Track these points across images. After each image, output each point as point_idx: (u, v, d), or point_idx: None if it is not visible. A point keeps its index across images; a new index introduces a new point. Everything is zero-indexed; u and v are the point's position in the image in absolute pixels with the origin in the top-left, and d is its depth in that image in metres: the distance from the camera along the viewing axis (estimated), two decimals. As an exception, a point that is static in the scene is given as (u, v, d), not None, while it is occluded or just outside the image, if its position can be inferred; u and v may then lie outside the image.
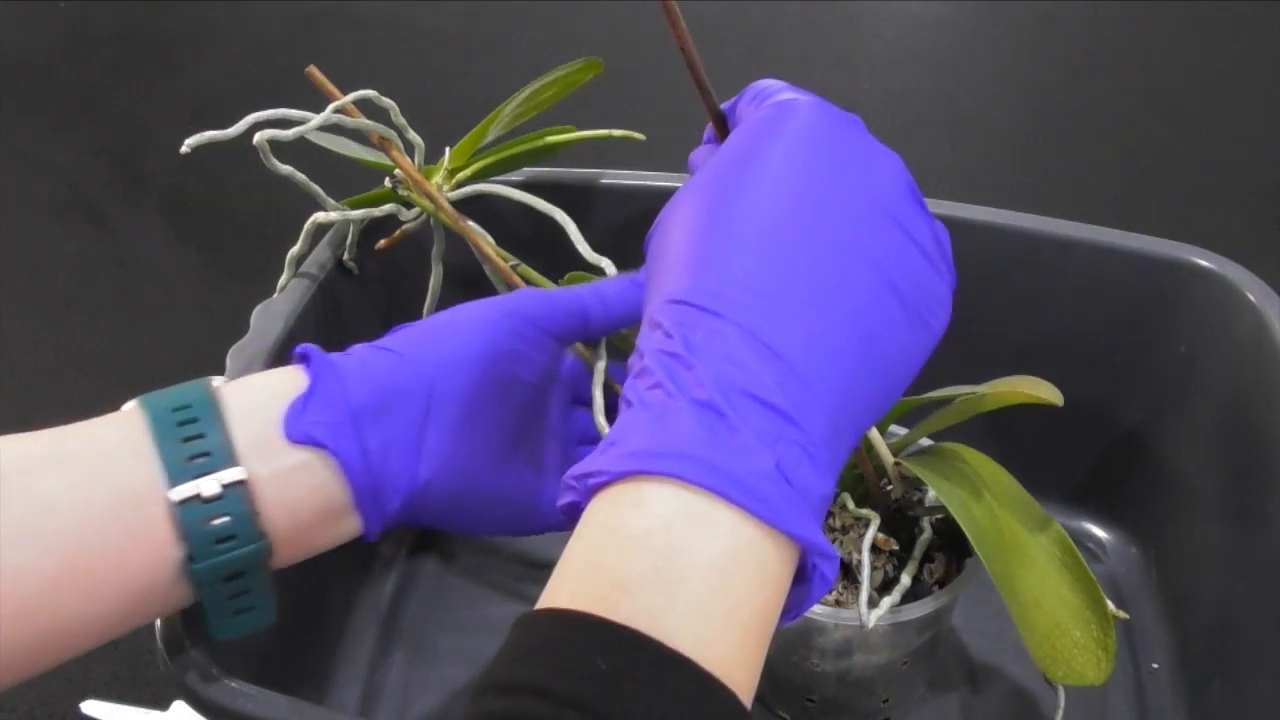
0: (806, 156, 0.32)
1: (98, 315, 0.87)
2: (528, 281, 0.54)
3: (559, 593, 0.28)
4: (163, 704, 0.58)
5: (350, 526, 0.40)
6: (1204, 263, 0.57)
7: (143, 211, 0.98)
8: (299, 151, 0.54)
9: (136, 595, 0.36)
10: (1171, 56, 1.16)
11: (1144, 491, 0.63)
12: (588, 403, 0.48)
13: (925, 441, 0.53)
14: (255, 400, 0.38)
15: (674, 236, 0.32)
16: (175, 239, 0.95)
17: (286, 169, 0.53)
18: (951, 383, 0.50)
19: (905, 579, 0.49)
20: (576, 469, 0.30)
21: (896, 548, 0.51)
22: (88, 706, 0.58)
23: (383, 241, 0.58)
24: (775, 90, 0.35)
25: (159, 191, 1.01)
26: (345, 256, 0.58)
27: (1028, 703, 0.57)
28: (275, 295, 0.55)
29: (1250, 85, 1.11)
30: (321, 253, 0.58)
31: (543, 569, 0.64)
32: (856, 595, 0.48)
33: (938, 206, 0.60)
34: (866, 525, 0.49)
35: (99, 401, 0.83)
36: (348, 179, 0.60)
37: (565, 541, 0.29)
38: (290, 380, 0.39)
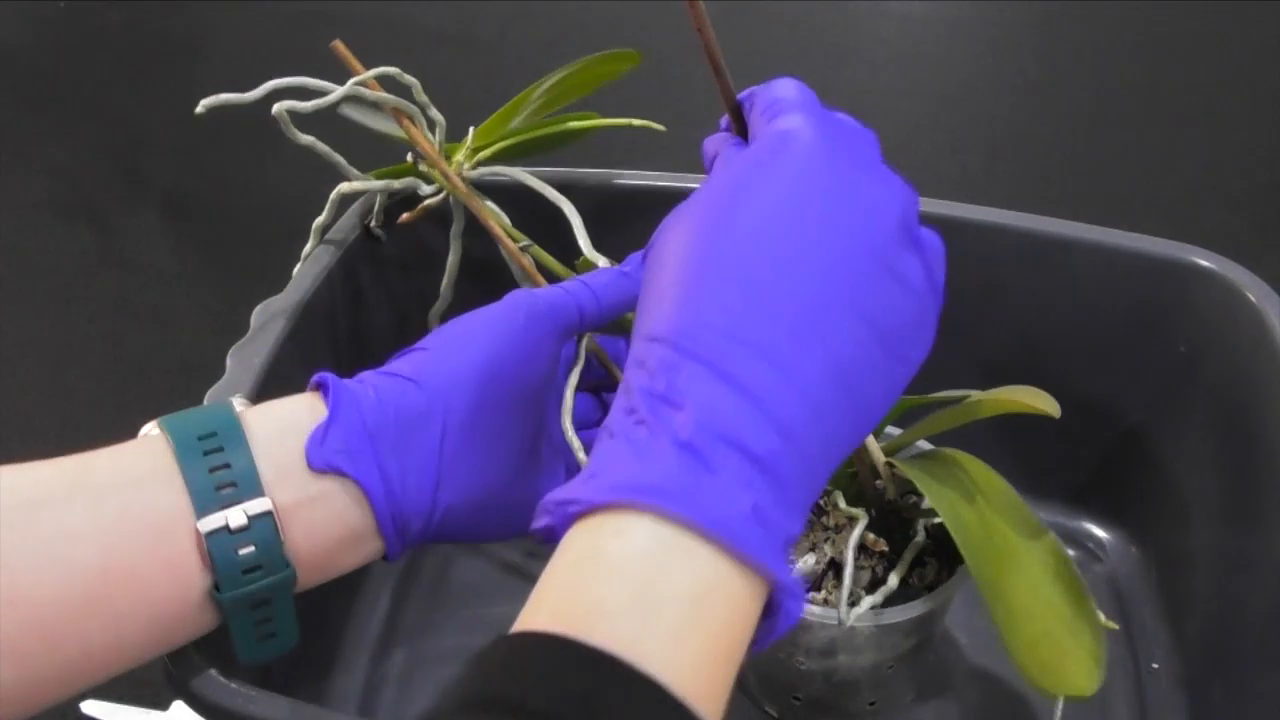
0: (795, 200, 0.32)
1: (98, 315, 0.87)
2: (538, 263, 0.54)
3: (537, 614, 0.28)
4: (163, 704, 0.58)
5: (373, 550, 0.40)
6: (1204, 263, 0.57)
7: (143, 211, 0.98)
8: (320, 128, 0.54)
9: (164, 623, 0.36)
10: (1171, 56, 1.16)
11: (1144, 491, 0.63)
12: (586, 390, 0.49)
13: (925, 445, 0.53)
14: (277, 428, 0.39)
15: (666, 264, 0.33)
16: (175, 239, 0.95)
17: (308, 139, 0.53)
18: (952, 382, 0.50)
19: (893, 580, 0.49)
20: (557, 494, 0.30)
21: (886, 549, 0.51)
22: (88, 706, 0.58)
23: (405, 215, 0.59)
24: (784, 108, 0.35)
25: (159, 191, 1.01)
26: (372, 224, 0.59)
27: (1024, 708, 0.57)
28: (299, 264, 0.56)
29: (1250, 85, 1.11)
30: (348, 221, 0.59)
31: (542, 570, 0.64)
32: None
33: (938, 207, 0.60)
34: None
35: (99, 401, 0.84)
36: (370, 155, 0.60)
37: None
38: (310, 408, 0.40)
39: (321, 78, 0.52)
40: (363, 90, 0.52)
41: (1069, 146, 1.03)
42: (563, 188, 0.56)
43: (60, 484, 0.35)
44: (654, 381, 0.30)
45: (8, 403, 0.79)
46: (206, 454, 0.37)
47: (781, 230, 0.31)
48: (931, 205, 0.60)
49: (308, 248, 0.57)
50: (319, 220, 0.57)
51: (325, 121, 0.54)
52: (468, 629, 0.61)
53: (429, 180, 0.58)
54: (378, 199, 0.59)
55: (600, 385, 0.50)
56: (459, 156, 0.58)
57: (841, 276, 0.31)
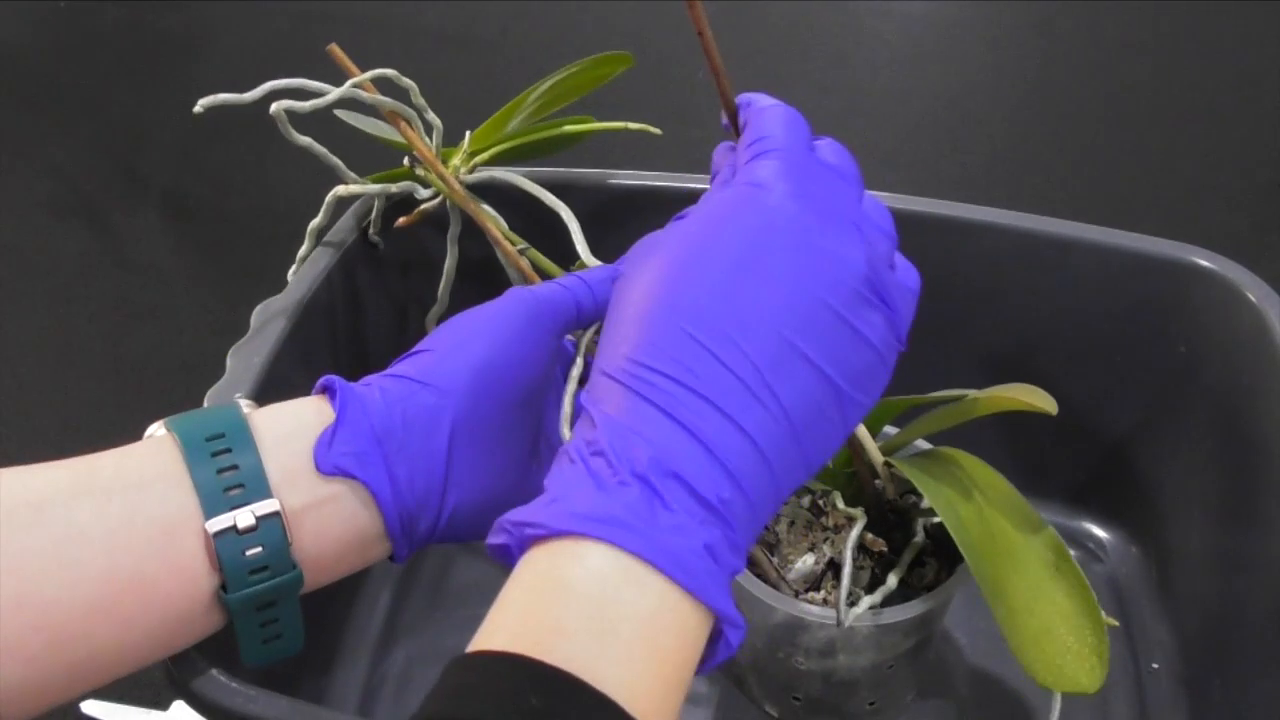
0: (755, 257, 0.33)
1: (98, 315, 0.87)
2: (536, 266, 0.54)
3: (496, 634, 0.30)
4: (163, 704, 0.58)
5: (379, 552, 0.40)
6: (1204, 263, 0.57)
7: (143, 211, 0.98)
8: (318, 130, 0.54)
9: (170, 624, 0.36)
10: (1171, 56, 1.16)
11: (1144, 491, 0.63)
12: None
13: (924, 444, 0.53)
14: (285, 431, 0.39)
15: (629, 301, 0.34)
16: (175, 239, 0.95)
17: (305, 140, 0.53)
18: (952, 381, 0.50)
19: (892, 580, 0.49)
20: (515, 515, 0.32)
21: (885, 549, 0.51)
22: (88, 706, 0.58)
23: (403, 219, 0.59)
24: (764, 149, 0.36)
25: (159, 191, 1.01)
26: (371, 231, 0.59)
27: (1024, 708, 0.57)
28: (296, 266, 0.56)
29: (1250, 85, 1.11)
30: (345, 223, 0.59)
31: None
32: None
33: (938, 207, 0.60)
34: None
35: (99, 401, 0.84)
36: (368, 158, 0.60)
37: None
38: (316, 411, 0.40)
39: (321, 78, 0.52)
40: (359, 92, 0.52)
41: (1069, 146, 1.03)
42: (560, 189, 0.56)
43: (67, 485, 0.35)
44: (613, 416, 0.32)
45: (8, 403, 0.79)
46: (215, 455, 0.37)
47: (740, 285, 0.33)
48: (931, 205, 0.60)
49: (303, 250, 0.57)
50: (315, 222, 0.57)
51: (323, 124, 0.54)
52: (468, 629, 0.60)
53: (426, 184, 0.58)
54: (375, 205, 0.59)
55: None
56: (456, 160, 0.58)
57: (796, 331, 0.32)
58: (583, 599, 0.29)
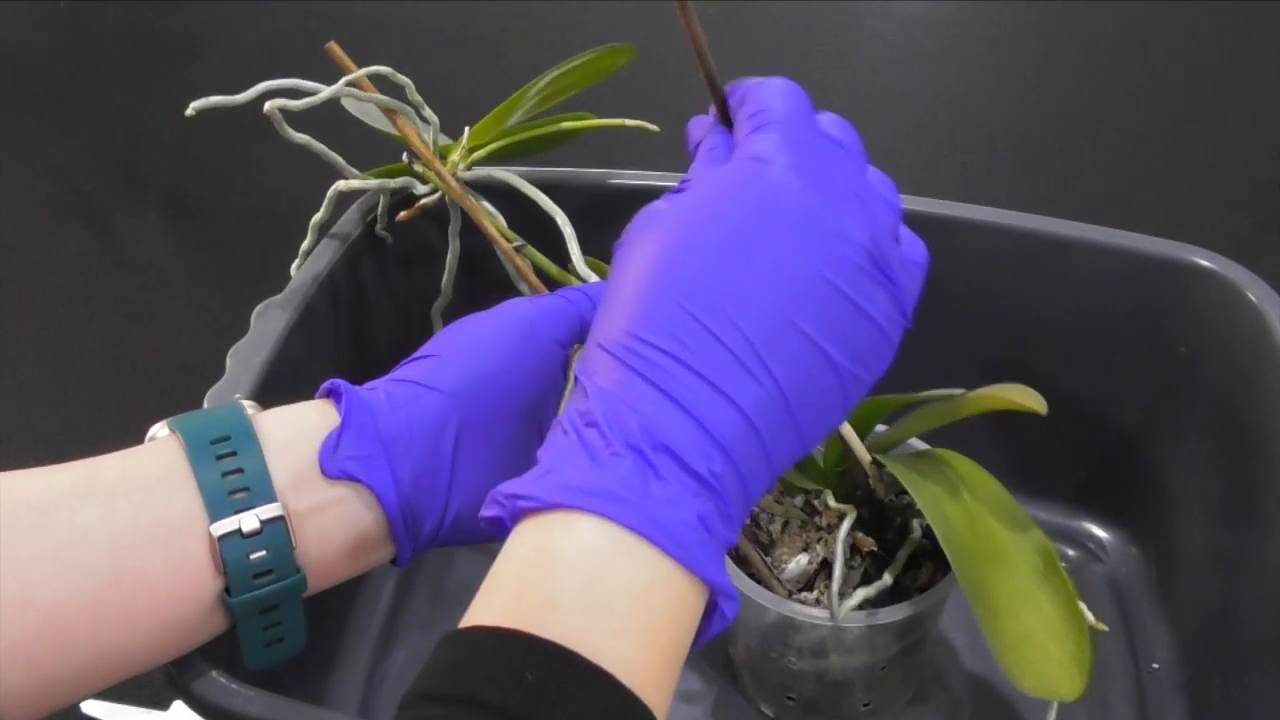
0: (755, 232, 0.33)
1: (98, 315, 0.87)
2: (533, 264, 0.54)
3: (489, 609, 0.29)
4: (163, 704, 0.58)
5: (383, 555, 0.41)
6: (1204, 263, 0.57)
7: (143, 211, 0.98)
8: (317, 127, 0.54)
9: (174, 626, 0.36)
10: (1171, 56, 1.16)
11: (1144, 491, 0.63)
12: None
13: (920, 444, 0.53)
14: (289, 434, 0.39)
15: (626, 274, 0.34)
16: (175, 239, 0.95)
17: (303, 138, 0.53)
18: (951, 381, 0.50)
19: (887, 577, 0.49)
20: (507, 488, 0.31)
21: (875, 548, 0.51)
22: (88, 706, 0.58)
23: (404, 214, 0.59)
24: (765, 122, 0.35)
25: (159, 191, 1.01)
26: (378, 226, 0.59)
27: (1020, 710, 0.57)
28: (298, 261, 0.56)
29: (1250, 85, 1.11)
30: (350, 217, 0.59)
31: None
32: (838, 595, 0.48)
33: (938, 207, 0.60)
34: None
35: (99, 401, 0.84)
36: (368, 153, 0.60)
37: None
38: (321, 414, 0.40)
39: (321, 77, 0.52)
40: (355, 91, 0.52)
41: (1069, 146, 1.03)
42: (557, 187, 0.56)
43: (72, 487, 0.35)
44: (606, 388, 0.32)
45: (8, 403, 0.79)
46: (220, 458, 0.37)
47: (738, 260, 0.32)
48: (931, 205, 0.60)
49: (305, 245, 0.57)
50: (317, 217, 0.57)
51: (323, 121, 0.54)
52: (467, 629, 0.61)
53: (424, 180, 0.58)
54: (381, 200, 0.59)
55: None
56: (454, 156, 0.58)
57: (794, 306, 0.32)
58: (576, 572, 0.29)
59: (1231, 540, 0.55)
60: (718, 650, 0.59)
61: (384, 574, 0.63)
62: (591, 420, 0.31)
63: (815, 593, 0.51)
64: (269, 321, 0.53)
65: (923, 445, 0.52)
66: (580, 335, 0.45)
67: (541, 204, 0.55)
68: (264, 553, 0.36)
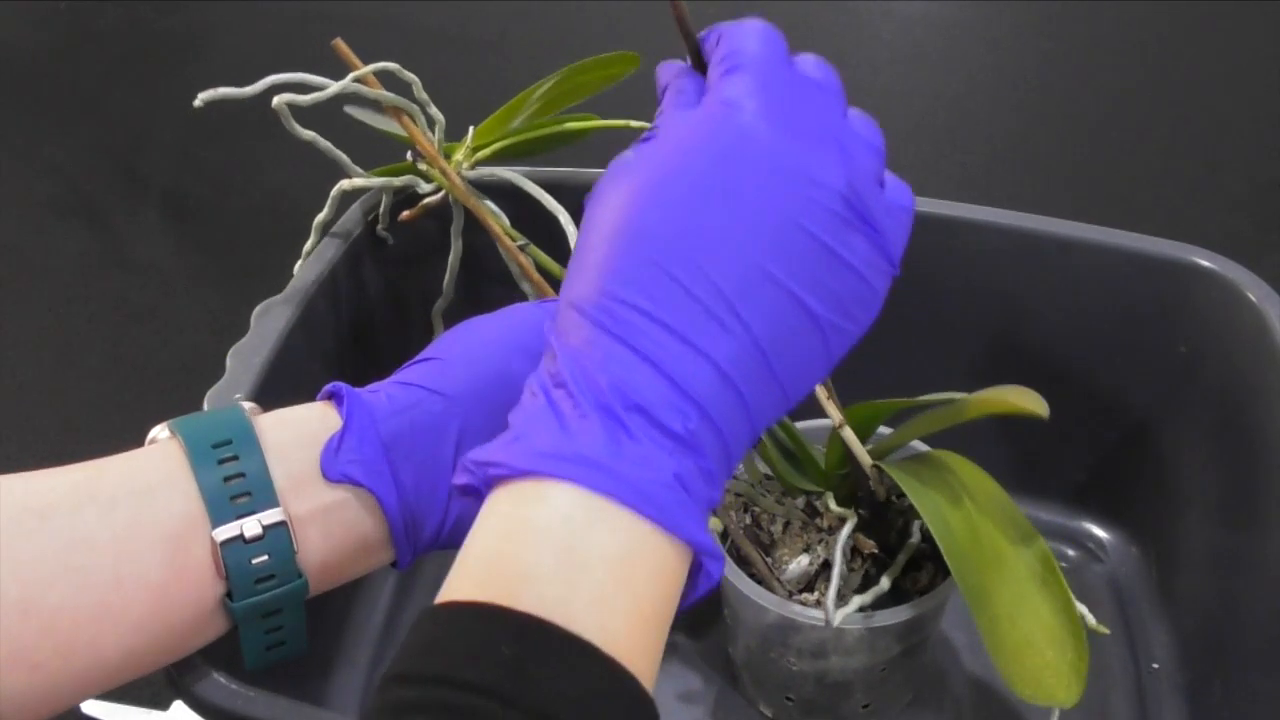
0: (726, 180, 0.31)
1: (98, 315, 0.87)
2: (536, 263, 0.54)
3: (463, 583, 0.29)
4: (163, 704, 0.58)
5: (384, 559, 0.40)
6: (1204, 263, 0.57)
7: (143, 211, 0.98)
8: (321, 127, 0.55)
9: (176, 630, 0.36)
10: (1171, 56, 1.16)
11: (1144, 491, 0.63)
12: None
13: (921, 446, 0.53)
14: (291, 437, 0.38)
15: (595, 229, 0.33)
16: (175, 239, 0.95)
17: (309, 134, 0.53)
18: (951, 382, 0.50)
19: (885, 581, 0.49)
20: (478, 454, 0.31)
21: (876, 550, 0.51)
22: (88, 706, 0.58)
23: (406, 213, 0.59)
24: (736, 64, 0.33)
25: (159, 191, 1.01)
26: (380, 226, 0.59)
27: (1020, 712, 0.57)
28: (302, 260, 0.56)
29: (1250, 85, 1.11)
30: (352, 216, 0.59)
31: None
32: (838, 597, 0.48)
33: (938, 207, 0.60)
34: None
35: (99, 401, 0.84)
36: (371, 153, 0.60)
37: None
38: (322, 417, 0.39)
39: (321, 77, 0.52)
40: (361, 87, 0.52)
41: (1069, 146, 1.03)
42: (560, 187, 0.56)
43: (73, 491, 0.35)
44: (575, 348, 0.31)
45: (8, 403, 0.79)
46: (221, 462, 0.36)
47: (708, 210, 0.31)
48: (931, 205, 0.60)
49: (309, 245, 0.57)
50: (320, 217, 0.57)
51: (326, 120, 0.54)
52: (468, 629, 0.61)
53: (428, 179, 0.58)
54: (383, 199, 0.59)
55: None
56: (459, 156, 0.58)
57: (768, 256, 0.31)
58: (550, 541, 0.28)
59: (1231, 540, 0.55)
60: (718, 650, 0.59)
61: (384, 575, 0.63)
62: (560, 381, 0.30)
63: (816, 594, 0.51)
64: (269, 321, 0.53)
65: (924, 446, 0.52)
66: None
67: (545, 203, 0.55)
68: (266, 557, 0.36)
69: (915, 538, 0.51)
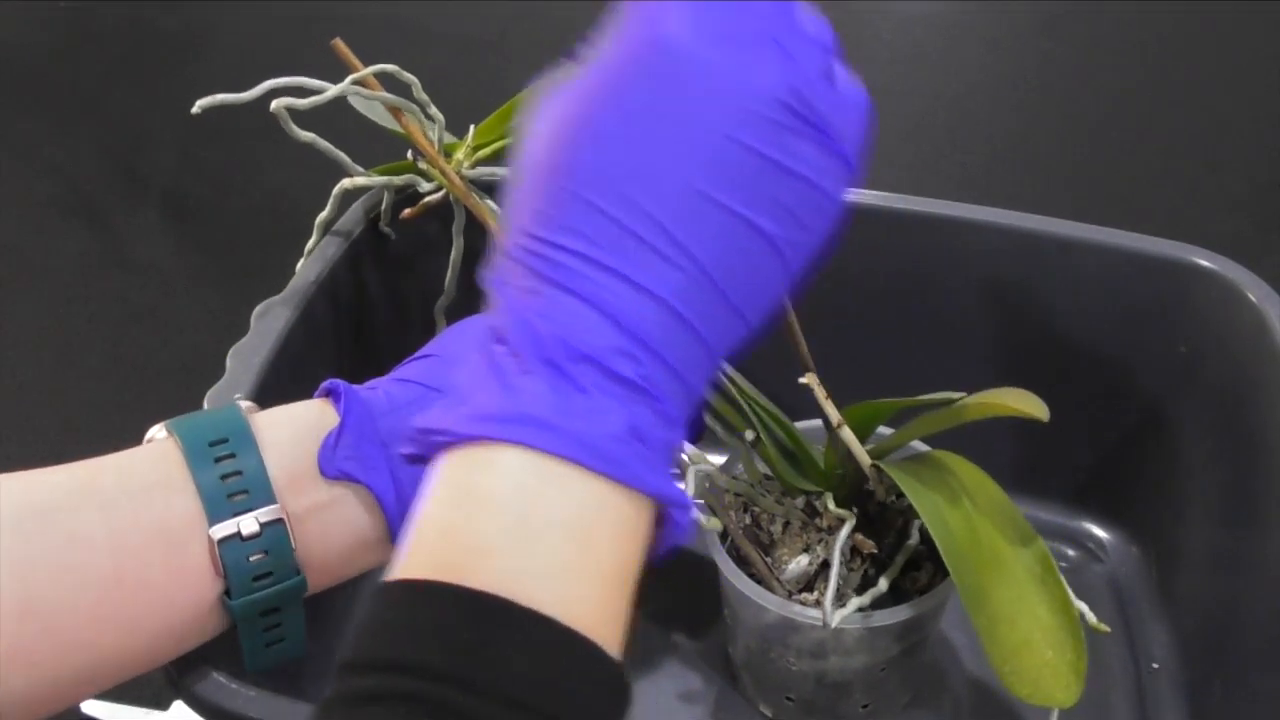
0: (653, 102, 0.29)
1: (98, 315, 0.87)
2: None
3: (415, 557, 0.28)
4: (163, 704, 0.58)
5: (382, 556, 0.40)
6: (1204, 263, 0.57)
7: (143, 211, 0.98)
8: (321, 126, 0.55)
9: (175, 629, 0.36)
10: (1171, 56, 1.16)
11: (1144, 491, 0.63)
12: None
13: (921, 447, 0.53)
14: (288, 434, 0.38)
15: (526, 170, 0.31)
16: (175, 239, 0.95)
17: (308, 135, 0.53)
18: (951, 382, 0.50)
19: (883, 583, 0.49)
20: (423, 421, 0.29)
21: (875, 550, 0.51)
22: (88, 706, 0.58)
23: (408, 211, 0.59)
24: None
25: (159, 191, 1.01)
26: (381, 223, 0.59)
27: (1020, 712, 0.57)
28: (304, 259, 0.56)
29: (1250, 85, 1.11)
30: (353, 214, 0.59)
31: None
32: (838, 597, 0.48)
33: (938, 207, 0.60)
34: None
35: (99, 401, 0.84)
36: (372, 151, 0.60)
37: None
38: (320, 414, 0.39)
39: (321, 77, 0.52)
40: (360, 89, 0.52)
41: (1069, 146, 1.03)
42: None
43: (72, 491, 0.35)
44: (514, 300, 0.29)
45: (8, 403, 0.79)
46: (218, 460, 0.36)
47: (636, 137, 0.29)
48: (931, 205, 0.60)
49: (311, 243, 0.57)
50: (322, 216, 0.57)
51: (327, 119, 0.54)
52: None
53: (428, 178, 0.58)
54: (385, 197, 0.59)
55: None
56: (459, 155, 0.58)
57: (704, 177, 0.29)
58: (502, 510, 0.27)
59: (1231, 540, 0.55)
60: (718, 650, 0.59)
61: (384, 574, 0.63)
62: (502, 337, 0.29)
63: (815, 594, 0.51)
64: (269, 321, 0.53)
65: (923, 447, 0.52)
66: None
67: None
68: (263, 555, 0.36)
69: (914, 539, 0.51)
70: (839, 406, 0.48)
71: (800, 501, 0.54)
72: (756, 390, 0.53)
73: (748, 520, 0.54)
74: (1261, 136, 1.03)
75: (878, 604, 0.49)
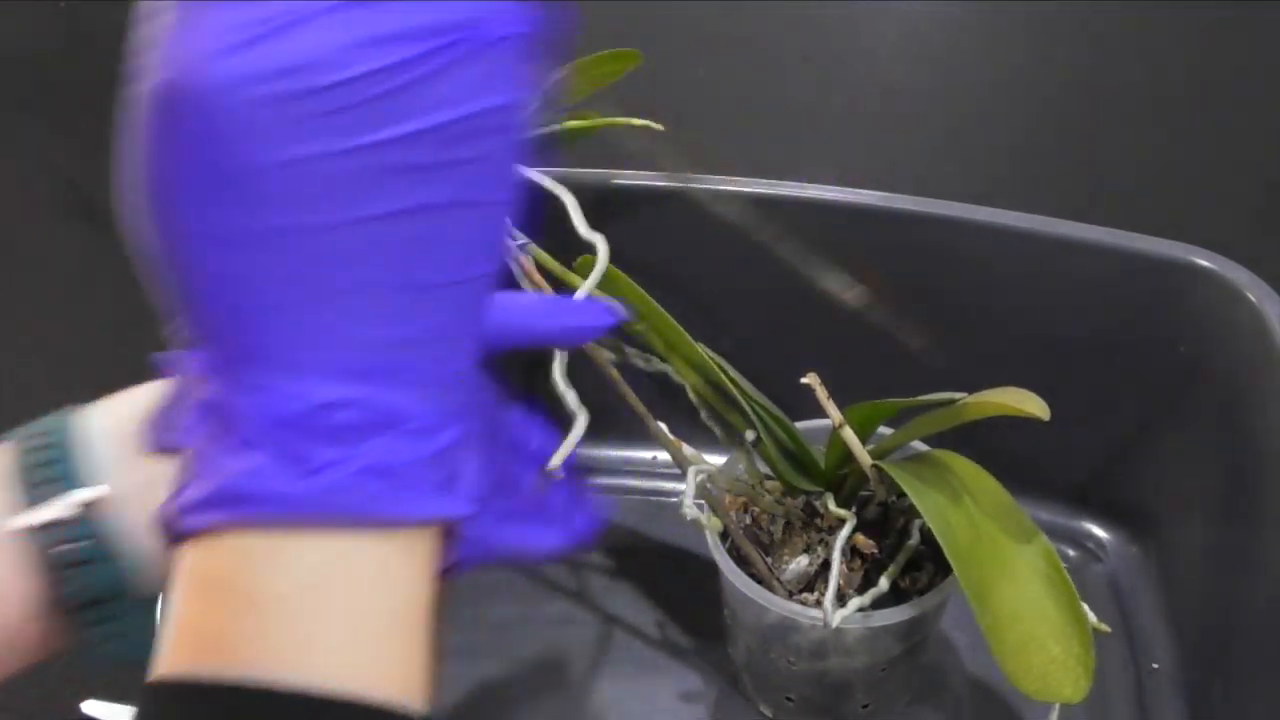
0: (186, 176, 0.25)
1: (98, 315, 0.87)
2: (537, 262, 0.54)
3: (171, 654, 0.26)
4: (163, 704, 0.58)
5: None
6: (1204, 263, 0.57)
7: (143, 211, 0.98)
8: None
9: (11, 633, 0.34)
10: (1171, 57, 1.16)
11: (1144, 491, 0.63)
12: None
13: (921, 446, 0.53)
14: (117, 417, 0.36)
15: (146, 224, 0.27)
16: (175, 239, 0.95)
17: None
18: (951, 382, 0.50)
19: (883, 583, 0.49)
20: (160, 508, 0.28)
21: (876, 550, 0.51)
22: (88, 706, 0.58)
23: None
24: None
25: (159, 191, 1.01)
26: None
27: (1021, 711, 0.57)
28: None
29: (1250, 85, 1.11)
30: None
31: (541, 568, 0.64)
32: (838, 597, 0.48)
33: (939, 207, 0.60)
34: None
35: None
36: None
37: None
38: (152, 392, 0.37)
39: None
40: None
41: (1069, 146, 1.03)
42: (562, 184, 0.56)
43: None
44: (212, 367, 0.27)
45: (8, 402, 0.79)
46: (38, 449, 0.34)
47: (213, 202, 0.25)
48: (931, 205, 0.60)
49: None
50: None
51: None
52: (468, 628, 0.61)
53: None
54: None
55: None
56: None
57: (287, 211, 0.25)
58: (242, 593, 0.25)
59: (1232, 540, 0.55)
60: (718, 650, 0.59)
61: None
62: (211, 406, 0.27)
63: (816, 594, 0.51)
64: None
65: (924, 447, 0.52)
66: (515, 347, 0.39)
67: (545, 184, 0.55)
68: (83, 542, 0.34)
69: (914, 539, 0.51)
70: (840, 407, 0.48)
71: (801, 502, 0.54)
72: (757, 390, 0.53)
73: (748, 520, 0.54)
74: (1261, 136, 1.03)
75: (878, 604, 0.49)
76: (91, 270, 0.91)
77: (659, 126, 0.61)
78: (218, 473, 0.26)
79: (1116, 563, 0.64)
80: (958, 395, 0.48)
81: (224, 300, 0.26)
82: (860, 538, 0.51)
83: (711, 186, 0.62)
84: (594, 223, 0.53)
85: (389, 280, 0.26)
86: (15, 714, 0.59)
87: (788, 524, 0.54)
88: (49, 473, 0.34)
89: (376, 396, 0.26)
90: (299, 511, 0.25)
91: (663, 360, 0.54)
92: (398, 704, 0.26)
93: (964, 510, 0.46)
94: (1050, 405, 0.44)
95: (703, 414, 0.54)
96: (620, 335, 0.55)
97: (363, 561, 0.26)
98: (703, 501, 0.51)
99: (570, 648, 0.60)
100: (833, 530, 0.52)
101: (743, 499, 0.54)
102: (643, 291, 0.51)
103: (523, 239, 0.54)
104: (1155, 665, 0.58)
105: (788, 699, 0.55)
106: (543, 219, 0.55)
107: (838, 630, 0.47)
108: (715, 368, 0.50)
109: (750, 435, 0.52)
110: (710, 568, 0.52)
